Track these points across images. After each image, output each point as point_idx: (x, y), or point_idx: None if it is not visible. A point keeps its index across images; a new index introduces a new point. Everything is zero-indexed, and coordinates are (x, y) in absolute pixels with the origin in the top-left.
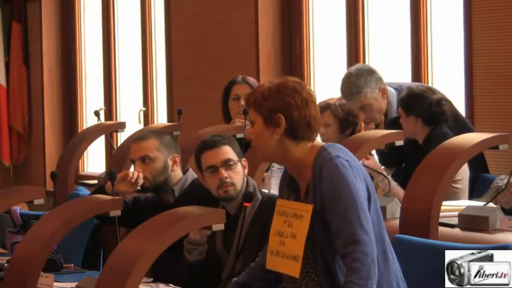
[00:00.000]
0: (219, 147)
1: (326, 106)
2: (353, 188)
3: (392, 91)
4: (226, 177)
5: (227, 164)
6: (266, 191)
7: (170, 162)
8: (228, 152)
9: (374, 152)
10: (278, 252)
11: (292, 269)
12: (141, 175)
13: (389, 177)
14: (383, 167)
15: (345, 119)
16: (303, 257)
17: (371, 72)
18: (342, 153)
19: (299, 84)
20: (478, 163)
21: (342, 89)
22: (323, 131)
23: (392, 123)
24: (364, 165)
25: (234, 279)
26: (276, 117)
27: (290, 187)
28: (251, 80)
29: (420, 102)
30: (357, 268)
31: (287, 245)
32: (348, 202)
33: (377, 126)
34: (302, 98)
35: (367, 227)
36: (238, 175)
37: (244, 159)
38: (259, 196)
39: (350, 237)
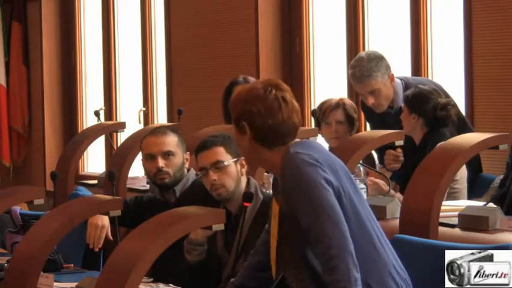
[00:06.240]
0: (210, 148)
1: (340, 104)
2: (312, 183)
3: (397, 81)
4: (215, 180)
5: (216, 166)
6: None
7: (184, 160)
8: (219, 153)
9: (373, 152)
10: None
11: (272, 267)
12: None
13: (394, 192)
14: (381, 165)
15: (354, 118)
16: (283, 258)
17: (381, 57)
18: (304, 148)
19: (265, 89)
20: (475, 163)
21: (353, 73)
22: (336, 128)
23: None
24: (371, 169)
25: (231, 280)
26: (241, 124)
27: (276, 187)
28: (252, 80)
29: (425, 103)
30: (335, 265)
31: (271, 243)
32: (310, 198)
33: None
34: (266, 106)
35: (335, 219)
36: (228, 176)
37: (243, 158)
38: (261, 196)
39: (319, 234)
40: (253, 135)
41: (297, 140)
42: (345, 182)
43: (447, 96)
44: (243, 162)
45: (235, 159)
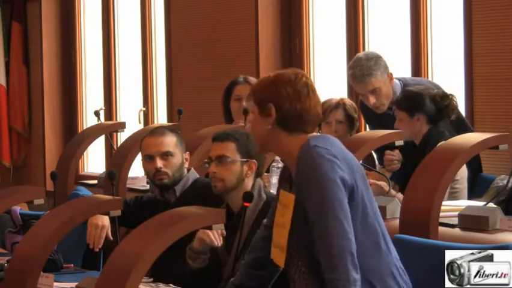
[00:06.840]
0: (223, 142)
1: (340, 104)
2: (326, 178)
3: (396, 81)
4: (214, 172)
5: (220, 159)
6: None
7: (184, 160)
8: (228, 148)
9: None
10: (276, 243)
11: (279, 259)
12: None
13: (394, 192)
14: (380, 165)
15: (354, 118)
16: (290, 250)
17: (378, 56)
18: (323, 143)
19: (296, 75)
20: (475, 163)
21: (353, 73)
22: (336, 127)
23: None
24: (371, 169)
25: (230, 279)
26: (267, 106)
27: (285, 178)
28: (253, 80)
29: (422, 100)
30: (335, 264)
31: (279, 234)
32: (320, 193)
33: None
34: (295, 90)
35: (341, 218)
36: (229, 172)
37: (254, 161)
38: (264, 196)
39: (322, 231)
40: (278, 118)
41: (315, 133)
42: (359, 180)
43: None
44: (252, 165)
45: (244, 160)
